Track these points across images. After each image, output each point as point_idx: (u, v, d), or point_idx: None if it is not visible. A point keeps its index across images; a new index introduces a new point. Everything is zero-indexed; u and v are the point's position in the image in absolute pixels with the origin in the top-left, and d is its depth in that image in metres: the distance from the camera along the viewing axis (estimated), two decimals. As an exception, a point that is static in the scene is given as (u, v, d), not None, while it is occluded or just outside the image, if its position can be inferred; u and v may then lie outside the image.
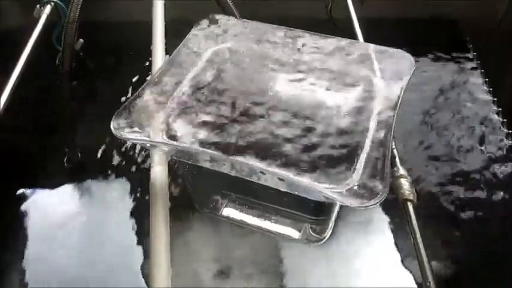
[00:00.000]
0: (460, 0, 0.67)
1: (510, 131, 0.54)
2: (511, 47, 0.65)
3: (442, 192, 0.49)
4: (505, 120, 0.55)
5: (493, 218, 0.48)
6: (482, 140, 0.54)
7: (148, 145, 0.37)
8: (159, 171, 0.37)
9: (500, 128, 0.55)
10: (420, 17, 0.67)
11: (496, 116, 0.56)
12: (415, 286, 0.41)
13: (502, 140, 0.54)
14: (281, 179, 0.33)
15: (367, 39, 0.52)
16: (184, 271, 0.42)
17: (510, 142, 0.54)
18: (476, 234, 0.46)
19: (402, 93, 0.38)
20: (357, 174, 0.32)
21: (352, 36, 0.51)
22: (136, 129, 0.36)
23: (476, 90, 0.59)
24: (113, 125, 0.35)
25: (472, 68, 0.62)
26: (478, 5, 0.67)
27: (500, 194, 0.49)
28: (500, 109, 0.56)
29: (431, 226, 0.43)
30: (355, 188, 0.31)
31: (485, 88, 0.59)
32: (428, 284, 0.31)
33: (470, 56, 0.63)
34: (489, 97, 0.58)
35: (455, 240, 0.46)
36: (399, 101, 0.37)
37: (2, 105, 0.44)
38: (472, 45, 0.64)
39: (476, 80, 0.60)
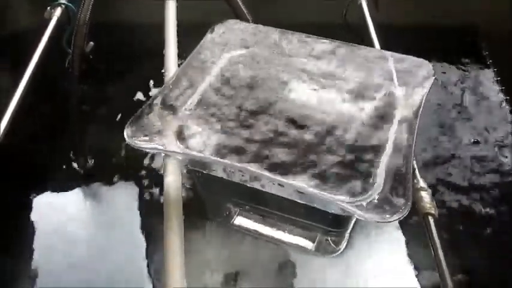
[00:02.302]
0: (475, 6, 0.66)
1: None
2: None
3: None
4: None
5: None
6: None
7: (162, 154, 0.36)
8: (172, 181, 0.36)
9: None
10: (435, 23, 0.66)
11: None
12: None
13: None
14: (300, 192, 0.32)
15: (382, 46, 0.51)
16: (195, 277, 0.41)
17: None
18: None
19: (423, 102, 0.37)
20: (378, 187, 0.31)
21: (368, 42, 0.50)
22: (150, 137, 0.35)
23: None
24: (126, 133, 0.35)
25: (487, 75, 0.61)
26: (496, 12, 0.66)
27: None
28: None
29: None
30: (376, 201, 0.31)
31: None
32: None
33: (486, 62, 0.62)
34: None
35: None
36: (420, 110, 0.36)
37: (14, 107, 0.43)
38: (488, 52, 0.63)
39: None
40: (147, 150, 0.36)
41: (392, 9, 0.59)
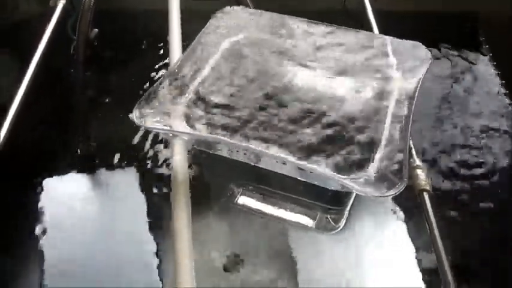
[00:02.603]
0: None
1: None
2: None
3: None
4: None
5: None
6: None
7: (170, 135, 0.37)
8: (179, 160, 0.38)
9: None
10: (434, 9, 0.67)
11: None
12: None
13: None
14: (301, 169, 0.34)
15: (381, 32, 0.52)
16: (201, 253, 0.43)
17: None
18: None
19: (419, 85, 0.38)
20: (375, 164, 0.33)
21: (367, 28, 0.52)
22: (157, 118, 0.36)
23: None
24: (135, 115, 0.36)
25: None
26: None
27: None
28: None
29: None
30: (373, 178, 0.32)
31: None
32: (444, 271, 0.32)
33: (483, 48, 0.63)
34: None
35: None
36: (416, 93, 0.38)
37: (23, 93, 0.45)
38: (485, 38, 0.64)
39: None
40: (155, 131, 0.37)
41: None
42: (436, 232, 0.33)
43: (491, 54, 0.62)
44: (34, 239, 0.47)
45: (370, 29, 0.51)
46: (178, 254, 0.35)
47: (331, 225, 0.44)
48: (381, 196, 0.31)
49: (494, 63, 0.61)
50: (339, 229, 0.44)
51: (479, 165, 0.51)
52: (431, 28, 0.64)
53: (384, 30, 0.52)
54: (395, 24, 0.55)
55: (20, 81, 0.48)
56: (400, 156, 0.33)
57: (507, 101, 0.57)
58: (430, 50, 0.42)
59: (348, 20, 0.57)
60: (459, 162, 0.51)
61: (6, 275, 0.42)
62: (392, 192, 0.31)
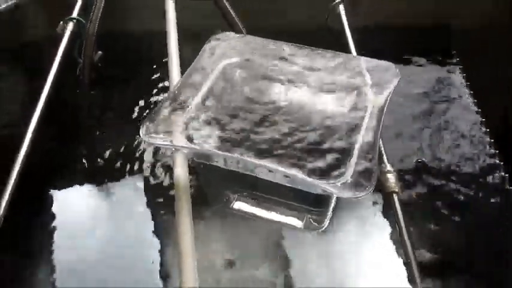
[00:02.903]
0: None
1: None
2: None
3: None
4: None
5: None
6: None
7: (173, 149, 0.43)
8: (181, 172, 0.43)
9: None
10: (411, 23, 0.73)
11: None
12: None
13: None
14: (287, 176, 0.39)
15: (360, 46, 0.58)
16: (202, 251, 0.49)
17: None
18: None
19: (388, 100, 0.44)
20: (350, 171, 0.39)
21: (346, 46, 0.57)
22: (161, 135, 0.42)
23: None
24: (141, 132, 0.41)
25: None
26: (468, 15, 0.73)
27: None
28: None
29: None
30: (348, 182, 0.38)
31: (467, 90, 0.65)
32: (410, 263, 0.37)
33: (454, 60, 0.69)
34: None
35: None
36: (385, 107, 0.43)
37: (41, 109, 0.50)
38: (456, 51, 0.70)
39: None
40: (159, 146, 0.43)
41: (369, 13, 0.66)
42: (404, 230, 0.39)
43: (461, 66, 0.68)
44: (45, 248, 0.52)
45: (348, 46, 0.57)
46: (182, 255, 0.40)
47: (316, 225, 0.49)
48: (354, 197, 0.36)
49: (464, 74, 0.67)
50: (324, 228, 0.49)
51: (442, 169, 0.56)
52: (404, 41, 0.71)
53: (361, 45, 0.57)
54: (372, 39, 0.62)
55: (33, 102, 0.53)
56: (370, 163, 0.38)
57: (475, 108, 0.63)
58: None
59: (330, 36, 0.63)
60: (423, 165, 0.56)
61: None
62: (363, 194, 0.36)
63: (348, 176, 0.38)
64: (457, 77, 0.67)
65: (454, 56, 0.70)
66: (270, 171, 0.40)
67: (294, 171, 0.39)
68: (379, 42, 0.66)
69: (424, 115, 0.63)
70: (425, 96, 0.65)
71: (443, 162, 0.58)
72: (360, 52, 0.56)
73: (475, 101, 0.63)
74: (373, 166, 0.38)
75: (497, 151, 0.58)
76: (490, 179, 0.55)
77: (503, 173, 0.56)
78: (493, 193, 0.54)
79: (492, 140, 0.58)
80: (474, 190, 0.55)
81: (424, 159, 0.58)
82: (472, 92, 0.64)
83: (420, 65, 0.69)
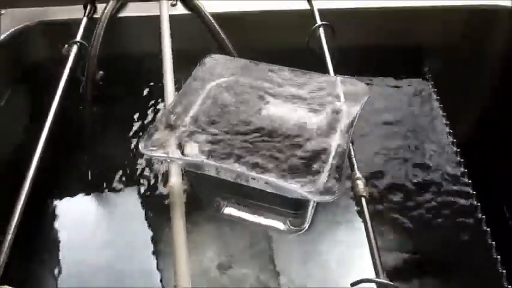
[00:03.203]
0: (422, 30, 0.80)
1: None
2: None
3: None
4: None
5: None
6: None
7: (168, 160, 0.48)
8: (176, 182, 0.49)
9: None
10: (386, 44, 0.80)
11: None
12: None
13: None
14: (266, 183, 0.45)
15: (339, 65, 0.63)
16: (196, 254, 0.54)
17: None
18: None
19: (358, 115, 0.50)
20: (323, 178, 0.44)
21: (325, 66, 0.63)
22: (157, 148, 0.47)
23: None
24: (140, 146, 0.47)
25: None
26: (439, 34, 0.80)
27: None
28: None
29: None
30: (321, 188, 0.43)
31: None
32: (376, 263, 0.42)
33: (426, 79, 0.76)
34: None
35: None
36: (355, 121, 0.49)
37: (50, 122, 0.56)
38: (428, 68, 0.77)
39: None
40: (156, 158, 0.48)
41: (347, 35, 0.72)
42: (370, 229, 0.44)
43: (432, 83, 0.74)
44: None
45: (327, 67, 0.63)
46: (177, 257, 0.45)
47: (298, 227, 0.55)
48: (324, 201, 0.42)
49: (435, 89, 0.73)
50: (305, 229, 0.55)
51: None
52: (380, 60, 0.77)
53: (340, 64, 0.63)
54: (349, 58, 0.68)
55: (45, 119, 0.59)
56: (340, 172, 0.44)
57: (443, 121, 0.69)
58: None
59: (311, 57, 0.69)
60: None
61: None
62: (332, 198, 0.42)
63: (321, 182, 0.44)
64: (428, 93, 0.73)
65: (427, 74, 0.76)
66: (252, 178, 0.45)
67: (273, 179, 0.44)
68: (356, 62, 0.72)
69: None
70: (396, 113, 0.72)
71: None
72: (339, 71, 0.62)
73: (445, 114, 0.69)
74: (342, 175, 0.44)
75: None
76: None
77: (466, 179, 0.61)
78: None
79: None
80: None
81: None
82: (442, 105, 0.70)
83: (393, 85, 0.76)
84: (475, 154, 0.65)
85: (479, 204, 0.59)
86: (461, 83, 0.78)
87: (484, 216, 0.57)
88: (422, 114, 0.71)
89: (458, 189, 0.61)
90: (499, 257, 0.54)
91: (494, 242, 0.55)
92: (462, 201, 0.60)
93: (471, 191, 0.60)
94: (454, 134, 0.66)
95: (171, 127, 0.50)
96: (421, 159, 0.65)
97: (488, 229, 0.56)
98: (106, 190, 0.66)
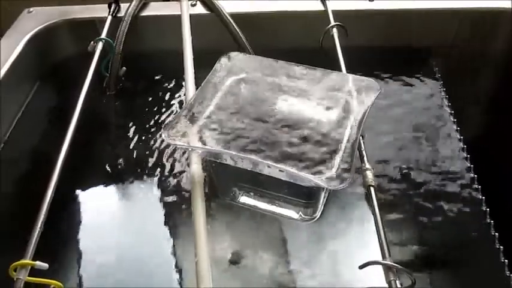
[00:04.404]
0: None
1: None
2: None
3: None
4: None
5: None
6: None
7: (189, 149, 0.52)
8: (196, 168, 0.52)
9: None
10: (396, 44, 0.83)
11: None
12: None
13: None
14: (281, 170, 0.48)
15: (350, 63, 0.67)
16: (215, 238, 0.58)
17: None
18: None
19: (368, 110, 0.53)
20: (335, 168, 0.47)
21: (338, 64, 0.66)
22: (179, 137, 0.51)
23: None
24: (164, 135, 0.51)
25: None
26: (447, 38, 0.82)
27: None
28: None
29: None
30: (333, 176, 0.46)
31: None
32: (382, 246, 0.45)
33: (435, 76, 0.79)
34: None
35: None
36: (365, 117, 0.52)
37: (77, 115, 0.59)
38: (438, 68, 0.79)
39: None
40: (178, 146, 0.52)
41: (360, 36, 0.75)
42: (378, 217, 0.47)
43: (442, 82, 0.77)
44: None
45: (340, 65, 0.66)
46: (198, 251, 0.48)
47: (310, 216, 0.58)
48: (336, 188, 0.45)
49: (444, 88, 0.76)
50: (317, 218, 0.58)
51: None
52: (390, 60, 0.80)
53: (353, 63, 0.66)
54: (361, 57, 0.71)
55: (72, 112, 0.62)
56: (350, 162, 0.47)
57: (451, 118, 0.71)
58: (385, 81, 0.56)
59: (325, 56, 0.72)
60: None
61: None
62: (343, 185, 0.45)
63: (333, 172, 0.47)
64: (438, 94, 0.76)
65: (436, 73, 0.79)
66: (268, 166, 0.48)
67: (288, 167, 0.47)
68: (367, 61, 0.75)
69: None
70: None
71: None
72: (351, 69, 0.65)
73: (452, 111, 0.72)
74: (352, 165, 0.47)
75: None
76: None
77: (472, 174, 0.64)
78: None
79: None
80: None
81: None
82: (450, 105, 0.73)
83: (405, 83, 0.79)
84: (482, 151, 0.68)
85: (483, 197, 0.61)
86: (469, 82, 0.80)
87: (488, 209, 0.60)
88: (432, 113, 0.73)
89: (464, 184, 0.63)
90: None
91: (497, 233, 0.57)
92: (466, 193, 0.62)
93: (477, 186, 0.62)
94: (460, 131, 0.69)
95: (192, 118, 0.53)
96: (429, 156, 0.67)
97: (492, 221, 0.59)
98: (129, 180, 0.69)
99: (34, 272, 0.45)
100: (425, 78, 0.79)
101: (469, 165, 0.65)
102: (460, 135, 0.69)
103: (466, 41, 0.82)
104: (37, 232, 0.48)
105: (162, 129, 0.51)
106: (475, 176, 0.63)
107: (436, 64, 0.81)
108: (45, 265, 0.46)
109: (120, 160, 0.71)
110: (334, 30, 0.71)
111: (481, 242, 0.58)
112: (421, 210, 0.61)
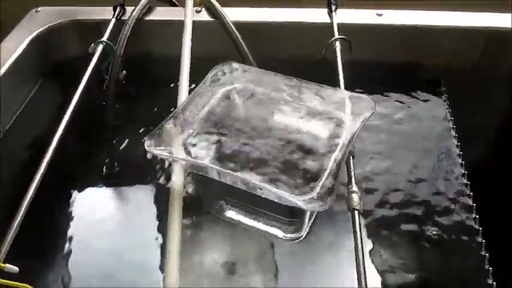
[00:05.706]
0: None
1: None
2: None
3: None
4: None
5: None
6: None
7: (170, 160, 0.50)
8: (177, 181, 0.51)
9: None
10: (403, 61, 0.80)
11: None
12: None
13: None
14: (261, 188, 0.46)
15: (353, 78, 0.64)
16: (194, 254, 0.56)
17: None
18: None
19: (359, 128, 0.50)
20: (317, 188, 0.45)
21: (338, 79, 0.64)
22: (162, 147, 0.49)
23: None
24: (146, 144, 0.49)
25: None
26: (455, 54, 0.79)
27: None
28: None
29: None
30: (314, 198, 0.44)
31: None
32: (360, 277, 0.43)
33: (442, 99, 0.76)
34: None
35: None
36: (355, 135, 0.50)
37: (68, 116, 0.59)
38: (445, 88, 0.76)
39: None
40: (160, 157, 0.51)
41: (363, 50, 0.73)
42: (359, 244, 0.44)
43: (446, 95, 0.74)
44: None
45: (339, 80, 0.64)
46: (169, 255, 0.46)
47: (296, 235, 0.56)
48: (316, 210, 0.43)
49: (448, 102, 0.73)
50: (302, 237, 0.56)
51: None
52: (396, 77, 0.78)
53: (354, 78, 0.64)
54: (364, 73, 0.69)
55: (64, 112, 0.62)
56: (332, 184, 0.45)
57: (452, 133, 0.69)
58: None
59: (327, 68, 0.70)
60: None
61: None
62: (323, 208, 0.43)
63: (315, 194, 0.45)
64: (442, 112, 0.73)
65: (443, 93, 0.76)
66: (247, 183, 0.47)
67: (269, 186, 0.45)
68: (371, 77, 0.73)
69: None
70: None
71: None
72: (352, 84, 0.62)
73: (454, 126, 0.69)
74: (334, 188, 0.44)
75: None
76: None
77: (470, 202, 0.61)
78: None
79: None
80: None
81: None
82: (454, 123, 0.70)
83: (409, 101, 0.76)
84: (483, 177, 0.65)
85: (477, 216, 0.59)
86: (476, 104, 0.77)
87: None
88: (435, 131, 0.71)
89: (462, 207, 0.61)
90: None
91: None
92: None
93: (475, 215, 0.59)
94: (463, 155, 0.66)
95: (178, 128, 0.52)
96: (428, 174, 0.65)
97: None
98: (123, 184, 0.68)
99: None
100: (430, 97, 0.76)
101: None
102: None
103: (478, 61, 0.79)
104: (11, 235, 0.47)
105: (146, 138, 0.50)
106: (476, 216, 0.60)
107: (444, 84, 0.78)
108: (16, 268, 0.45)
109: (107, 163, 0.70)
110: (337, 43, 0.69)
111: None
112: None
